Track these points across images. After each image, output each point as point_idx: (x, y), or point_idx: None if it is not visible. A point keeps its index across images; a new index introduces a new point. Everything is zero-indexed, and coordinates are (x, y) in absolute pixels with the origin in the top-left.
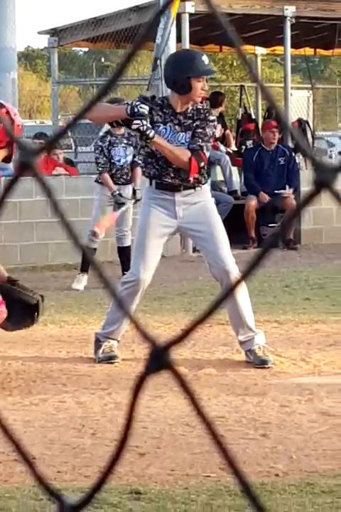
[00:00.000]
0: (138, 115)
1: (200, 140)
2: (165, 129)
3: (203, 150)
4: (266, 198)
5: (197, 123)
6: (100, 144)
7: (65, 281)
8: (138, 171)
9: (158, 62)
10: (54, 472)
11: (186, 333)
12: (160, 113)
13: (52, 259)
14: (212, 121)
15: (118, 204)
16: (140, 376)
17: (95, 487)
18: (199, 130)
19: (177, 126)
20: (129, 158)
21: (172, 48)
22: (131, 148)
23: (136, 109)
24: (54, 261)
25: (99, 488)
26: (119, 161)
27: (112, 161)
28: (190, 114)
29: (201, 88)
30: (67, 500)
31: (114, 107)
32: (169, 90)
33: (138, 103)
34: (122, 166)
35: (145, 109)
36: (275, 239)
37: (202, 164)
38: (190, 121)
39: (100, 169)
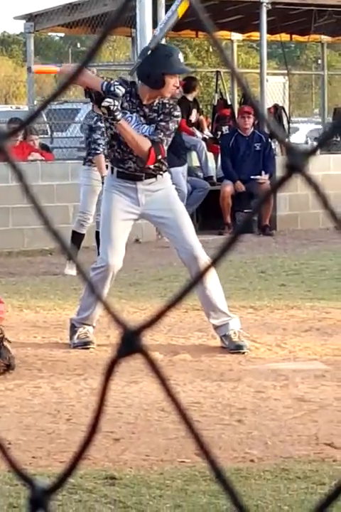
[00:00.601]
0: (112, 94)
1: (162, 133)
2: (131, 117)
3: (163, 143)
4: (242, 187)
5: (162, 117)
6: (101, 125)
7: (41, 267)
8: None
9: (148, 52)
10: (29, 457)
11: (157, 317)
12: (128, 101)
13: (28, 245)
14: (176, 116)
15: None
16: (111, 360)
17: (67, 472)
18: (163, 123)
19: (142, 118)
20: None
21: (148, 32)
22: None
23: (112, 88)
24: (30, 246)
25: (71, 472)
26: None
27: (93, 139)
28: (156, 108)
29: (173, 84)
30: (39, 485)
31: (92, 75)
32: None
33: (116, 83)
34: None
35: (121, 91)
36: (246, 223)
37: (160, 157)
38: (155, 114)
39: (100, 150)
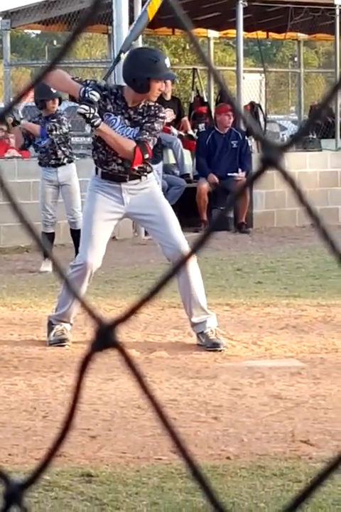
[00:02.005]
0: (87, 101)
1: (147, 133)
2: (115, 119)
3: (148, 142)
4: (215, 179)
5: (147, 118)
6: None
7: (17, 264)
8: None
9: (122, 55)
10: (5, 455)
11: (132, 312)
12: (113, 103)
13: (4, 242)
14: (162, 117)
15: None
16: (86, 354)
17: (41, 467)
18: (148, 124)
19: (127, 120)
20: (48, 141)
21: (124, 29)
22: (55, 131)
23: (86, 95)
24: (6, 244)
25: (45, 468)
26: (40, 143)
27: (35, 142)
28: (141, 110)
29: (158, 89)
30: (14, 480)
31: (72, 81)
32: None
33: (89, 89)
34: (44, 147)
35: (95, 96)
36: (221, 218)
37: (146, 156)
38: (140, 117)
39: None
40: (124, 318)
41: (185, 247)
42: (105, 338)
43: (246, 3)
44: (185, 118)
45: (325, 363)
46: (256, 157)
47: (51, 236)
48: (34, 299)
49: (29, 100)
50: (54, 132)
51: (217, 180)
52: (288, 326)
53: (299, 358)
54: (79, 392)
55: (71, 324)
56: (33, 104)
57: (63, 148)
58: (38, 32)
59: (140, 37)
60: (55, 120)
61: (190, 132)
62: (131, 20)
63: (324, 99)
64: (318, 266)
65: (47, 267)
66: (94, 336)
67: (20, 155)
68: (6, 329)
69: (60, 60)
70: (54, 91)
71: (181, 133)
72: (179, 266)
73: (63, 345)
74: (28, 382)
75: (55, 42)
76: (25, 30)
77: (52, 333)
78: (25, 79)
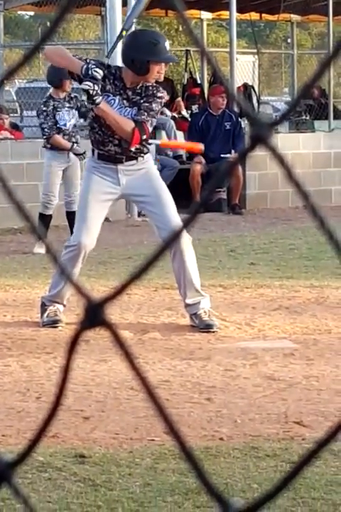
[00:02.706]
0: (91, 77)
1: (146, 114)
2: (114, 100)
3: (147, 123)
4: (202, 160)
5: (145, 99)
6: (44, 109)
7: (10, 246)
8: None
9: (124, 33)
10: None
11: (122, 289)
12: (112, 83)
13: None
14: (160, 97)
15: (79, 155)
16: (75, 332)
17: (32, 444)
18: (146, 104)
19: (125, 101)
20: (73, 121)
21: (117, 11)
22: (74, 111)
23: (89, 71)
24: None
25: (35, 445)
26: (65, 125)
27: (58, 125)
28: (139, 91)
29: (157, 71)
30: (4, 458)
31: (73, 58)
32: (123, 65)
33: (93, 66)
34: (68, 129)
35: (99, 73)
36: (211, 193)
37: (144, 136)
38: (138, 97)
39: (47, 133)
40: (113, 296)
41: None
42: (94, 316)
43: None
44: (179, 99)
45: (318, 344)
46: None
47: (50, 218)
48: (27, 280)
49: (22, 82)
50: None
51: (203, 161)
52: (281, 307)
53: (292, 339)
54: (68, 371)
55: (64, 305)
56: (27, 85)
57: (77, 135)
58: (32, 13)
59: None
60: (74, 102)
61: (184, 113)
62: (124, 1)
63: (313, 76)
64: (311, 247)
65: (40, 248)
66: (83, 313)
67: (13, 136)
68: None
69: (50, 38)
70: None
71: (174, 114)
72: (168, 243)
73: (56, 327)
74: (22, 364)
75: (48, 23)
76: (19, 12)
77: (45, 315)
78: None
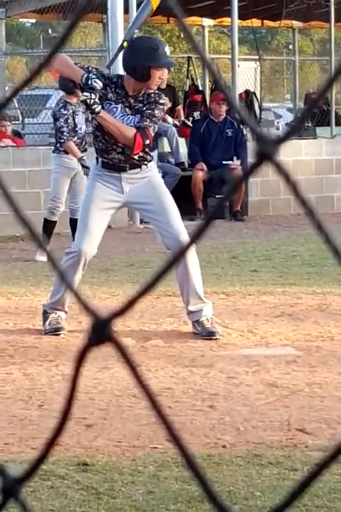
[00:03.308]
0: (89, 87)
1: (148, 120)
2: (116, 108)
3: (149, 129)
4: (203, 167)
5: (147, 106)
6: (65, 112)
7: (12, 253)
8: None
9: (125, 44)
10: (1, 444)
11: (129, 305)
12: (114, 92)
13: None
14: (162, 104)
15: (86, 167)
16: (82, 348)
17: (39, 459)
18: (148, 111)
19: (127, 109)
20: (85, 127)
21: (119, 18)
22: (85, 116)
23: (89, 81)
24: (1, 233)
25: (43, 460)
26: (81, 129)
27: (76, 129)
28: (141, 98)
29: (159, 77)
30: (10, 473)
31: (75, 66)
32: (124, 73)
33: (93, 76)
34: (83, 133)
35: (98, 84)
36: (218, 208)
37: (147, 142)
38: (141, 105)
39: (65, 138)
40: (121, 312)
41: (185, 237)
42: (101, 331)
43: None
44: (180, 107)
45: (320, 351)
46: (251, 147)
47: (54, 224)
48: (29, 288)
49: (24, 89)
50: None
51: (205, 168)
52: (283, 314)
53: (295, 346)
54: (75, 386)
55: (66, 312)
56: (29, 93)
57: (87, 138)
58: (33, 21)
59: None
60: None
61: (185, 121)
62: (126, 9)
63: (320, 91)
64: (313, 254)
65: (42, 256)
66: (90, 330)
67: (14, 144)
68: (1, 318)
69: (57, 53)
70: None
71: (176, 122)
72: (177, 258)
73: (58, 334)
74: (24, 371)
75: (50, 31)
76: (20, 19)
77: (47, 322)
78: (21, 68)
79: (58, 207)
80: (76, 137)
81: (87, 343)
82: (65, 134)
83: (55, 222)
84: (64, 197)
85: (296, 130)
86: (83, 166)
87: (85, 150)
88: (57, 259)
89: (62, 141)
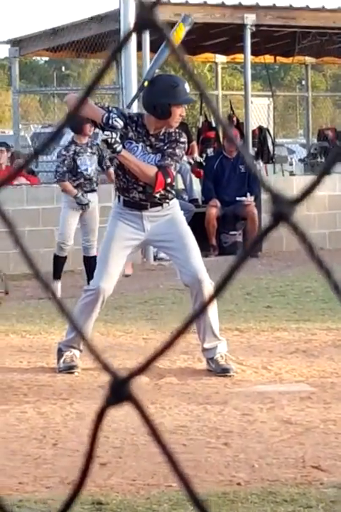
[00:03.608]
0: (110, 127)
1: (169, 159)
2: (137, 147)
3: (171, 167)
4: (217, 204)
5: (168, 145)
6: (64, 153)
7: (27, 291)
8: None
9: (146, 84)
10: (15, 483)
11: (148, 363)
12: (134, 130)
13: (13, 269)
14: (183, 142)
15: (82, 205)
16: (100, 408)
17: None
18: (170, 150)
19: (148, 148)
20: (94, 167)
21: (133, 55)
22: (95, 157)
23: (110, 121)
24: (15, 270)
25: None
26: (86, 170)
27: (79, 170)
28: (162, 137)
29: (179, 114)
30: None
31: (95, 106)
32: (145, 112)
33: (114, 116)
34: (89, 174)
35: (119, 123)
36: (243, 259)
37: (169, 180)
38: (162, 143)
39: (58, 178)
40: (139, 371)
41: (204, 275)
42: (120, 392)
43: (253, 28)
44: (193, 142)
45: (335, 388)
46: (267, 205)
47: (64, 259)
48: (43, 326)
49: (38, 127)
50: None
51: (218, 204)
52: (297, 350)
53: (309, 382)
54: (95, 444)
55: (81, 351)
56: (42, 130)
57: (97, 176)
58: (46, 59)
59: (148, 64)
60: (96, 148)
61: (198, 158)
62: (139, 46)
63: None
64: (328, 290)
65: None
66: (109, 389)
67: (28, 182)
68: (15, 356)
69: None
70: None
71: (190, 160)
72: (193, 318)
73: (73, 373)
74: (38, 410)
75: (63, 68)
76: (34, 57)
77: (61, 360)
78: (34, 105)
79: (66, 242)
80: (80, 177)
81: (104, 404)
82: (58, 173)
83: (64, 257)
84: (72, 233)
85: (313, 190)
86: (79, 204)
87: (94, 190)
88: (68, 297)
89: (56, 179)
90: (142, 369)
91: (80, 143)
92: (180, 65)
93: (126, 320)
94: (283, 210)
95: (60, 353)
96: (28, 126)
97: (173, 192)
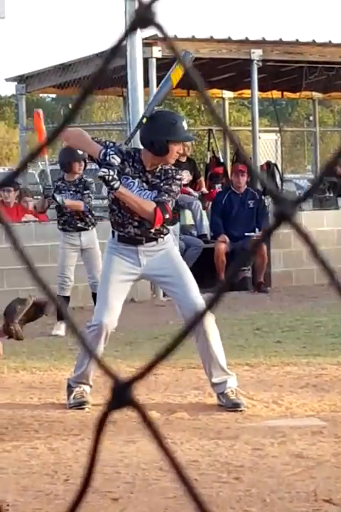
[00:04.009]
0: (107, 164)
1: (166, 194)
2: (133, 182)
3: (168, 203)
4: (226, 239)
5: (164, 181)
6: (50, 186)
7: (36, 327)
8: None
9: (144, 120)
10: None
11: (148, 369)
12: (131, 166)
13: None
14: (179, 179)
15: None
16: (102, 413)
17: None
18: (166, 187)
19: (144, 184)
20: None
21: (139, 92)
22: (79, 195)
23: (107, 158)
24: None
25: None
26: (66, 208)
27: (61, 207)
28: (158, 174)
29: (177, 151)
30: None
31: (91, 141)
32: (142, 147)
33: (111, 153)
34: (70, 212)
35: (116, 160)
36: (236, 272)
37: (167, 216)
38: (158, 180)
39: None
40: (140, 376)
41: (202, 308)
42: (121, 396)
43: (260, 63)
44: (201, 178)
45: None
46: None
47: (67, 299)
48: (53, 363)
49: (48, 164)
50: (88, 200)
51: (227, 240)
52: (308, 384)
53: (320, 416)
54: (97, 451)
55: (90, 386)
56: (50, 168)
57: (89, 216)
58: (53, 96)
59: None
60: (82, 186)
61: (204, 190)
62: (146, 82)
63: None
64: (337, 324)
65: (58, 330)
66: (110, 394)
67: (37, 219)
68: (26, 393)
69: (72, 120)
70: (80, 153)
71: (200, 192)
72: (194, 323)
73: (83, 408)
74: (49, 446)
75: (70, 105)
76: (41, 94)
77: (71, 396)
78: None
79: (65, 282)
80: (65, 213)
81: (106, 408)
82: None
83: (68, 297)
84: (70, 271)
85: (314, 191)
86: (55, 200)
87: (85, 229)
88: (80, 330)
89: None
90: (143, 374)
91: (67, 180)
92: (201, 99)
93: (136, 356)
94: (285, 210)
95: (69, 389)
96: (36, 163)
97: (168, 227)
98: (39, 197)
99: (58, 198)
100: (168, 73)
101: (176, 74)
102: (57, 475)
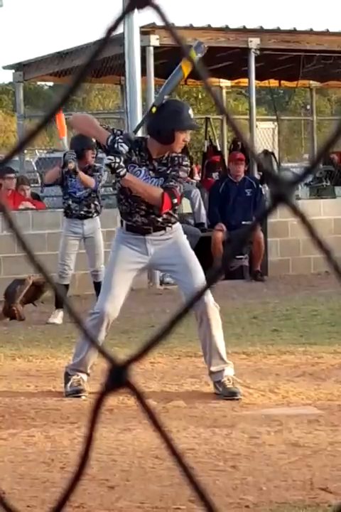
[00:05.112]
0: (115, 151)
1: (173, 180)
2: (140, 171)
3: (176, 189)
4: (223, 228)
5: (171, 169)
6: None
7: (33, 315)
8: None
9: (154, 109)
10: (24, 507)
11: (145, 351)
12: (138, 155)
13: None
14: (186, 165)
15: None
16: (99, 394)
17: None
18: (173, 173)
19: (151, 172)
20: (84, 192)
21: (137, 80)
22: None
23: (115, 145)
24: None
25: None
26: (75, 193)
27: (68, 190)
28: (165, 162)
29: (183, 139)
30: None
31: (100, 128)
32: (148, 136)
33: (120, 140)
34: (79, 198)
35: (124, 148)
36: (234, 252)
37: (175, 201)
38: (164, 168)
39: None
40: (137, 357)
41: (208, 297)
42: (118, 378)
43: (257, 52)
44: (193, 166)
45: None
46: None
47: (66, 288)
48: (50, 350)
49: (43, 152)
50: (100, 178)
51: (224, 228)
52: (304, 373)
53: (316, 405)
54: (93, 434)
55: (88, 374)
56: (47, 156)
57: (96, 202)
58: (51, 84)
59: (153, 88)
60: (96, 172)
61: (196, 177)
62: (144, 71)
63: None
64: (334, 313)
65: (55, 318)
66: (107, 375)
67: (34, 206)
68: (22, 381)
69: (70, 97)
70: (93, 141)
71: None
72: (190, 305)
73: (80, 396)
74: (46, 434)
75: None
76: (38, 82)
77: (68, 384)
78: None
79: (65, 270)
80: (68, 198)
81: (103, 389)
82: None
83: (66, 285)
84: (71, 260)
85: (310, 173)
86: (66, 164)
87: (89, 217)
88: (80, 317)
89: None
90: (140, 356)
91: (80, 167)
92: (204, 87)
93: (133, 344)
94: (281, 191)
95: (67, 377)
96: (33, 151)
97: (176, 216)
98: (36, 185)
99: (73, 164)
100: (178, 64)
101: (187, 64)
102: (54, 463)
